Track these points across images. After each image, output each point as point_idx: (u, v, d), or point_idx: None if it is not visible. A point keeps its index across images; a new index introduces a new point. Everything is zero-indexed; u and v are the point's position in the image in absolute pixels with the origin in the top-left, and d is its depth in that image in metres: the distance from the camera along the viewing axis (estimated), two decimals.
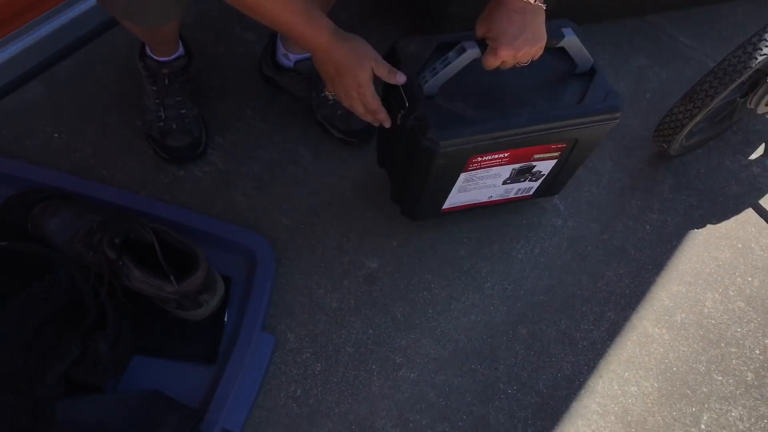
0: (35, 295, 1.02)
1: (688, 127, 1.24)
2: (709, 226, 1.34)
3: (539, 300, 1.23)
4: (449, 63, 0.98)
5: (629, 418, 1.13)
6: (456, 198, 1.19)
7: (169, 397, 1.02)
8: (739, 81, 1.15)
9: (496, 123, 1.02)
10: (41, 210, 1.16)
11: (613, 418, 1.13)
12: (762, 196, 1.39)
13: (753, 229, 1.34)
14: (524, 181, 1.20)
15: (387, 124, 1.03)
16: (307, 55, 1.32)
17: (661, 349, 1.20)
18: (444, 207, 1.22)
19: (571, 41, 1.02)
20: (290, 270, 1.23)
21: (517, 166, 1.14)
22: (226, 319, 1.15)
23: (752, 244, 1.32)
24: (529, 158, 1.12)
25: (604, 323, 1.22)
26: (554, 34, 0.99)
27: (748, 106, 1.29)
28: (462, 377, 1.15)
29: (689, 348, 1.20)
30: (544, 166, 1.16)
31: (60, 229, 1.14)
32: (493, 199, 1.24)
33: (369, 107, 1.00)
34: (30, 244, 1.10)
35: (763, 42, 1.13)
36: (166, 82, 1.28)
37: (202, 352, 1.11)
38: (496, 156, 1.08)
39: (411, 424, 1.10)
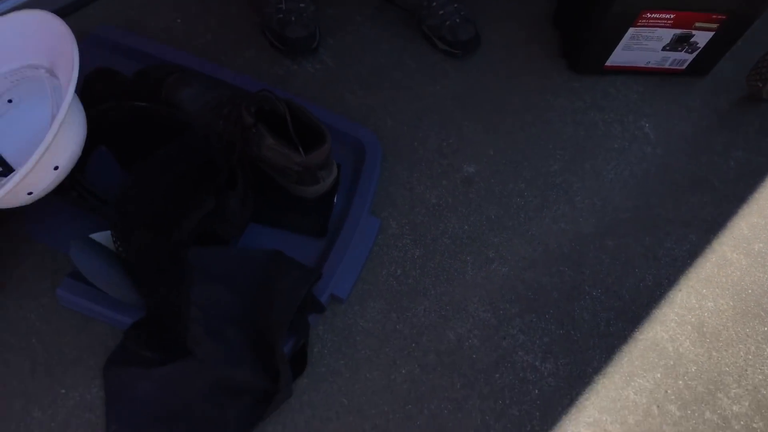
0: (174, 151, 1.10)
1: None
2: None
3: (626, 217, 1.30)
4: None
5: (704, 329, 1.20)
6: (619, 55, 1.39)
7: (291, 257, 1.10)
8: None
9: None
10: (175, 80, 1.24)
11: (689, 327, 1.20)
12: None
13: None
14: (681, 50, 1.38)
15: None
16: None
17: (738, 273, 1.26)
18: (607, 63, 1.41)
19: None
20: (393, 165, 1.30)
21: (678, 31, 1.33)
22: (335, 201, 1.22)
23: None
24: (691, 25, 1.31)
25: (686, 244, 1.28)
26: None
27: None
28: (550, 276, 1.22)
29: (765, 275, 1.27)
30: (702, 38, 1.35)
31: (192, 98, 1.22)
32: (650, 65, 1.43)
33: None
34: (166, 107, 1.18)
35: None
36: None
37: (314, 227, 1.19)
38: (664, 15, 1.28)
39: (501, 311, 1.18)
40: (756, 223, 1.32)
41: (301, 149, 1.10)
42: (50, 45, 1.04)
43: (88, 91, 1.24)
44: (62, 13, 1.33)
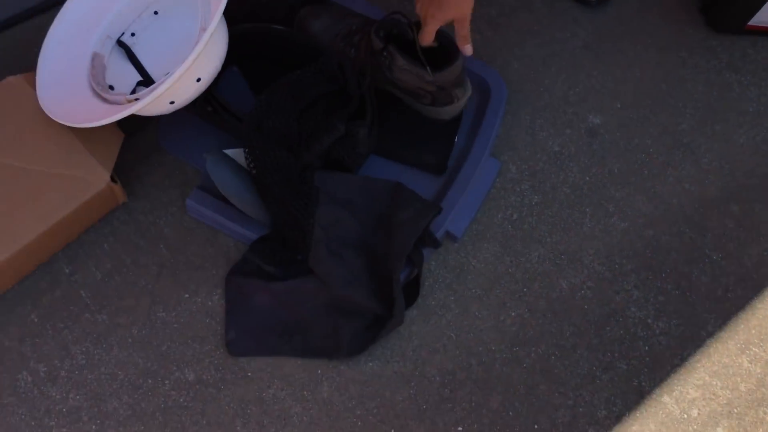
0: (307, 75, 1.12)
1: None
2: None
3: (755, 183, 1.25)
4: None
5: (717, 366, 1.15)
6: (764, 13, 1.30)
7: (412, 189, 1.11)
8: None
9: None
10: (305, 13, 1.25)
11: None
12: None
13: None
14: None
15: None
16: None
17: None
18: (750, 22, 1.33)
19: None
20: (517, 109, 1.28)
21: None
22: (456, 140, 1.22)
23: None
24: None
25: None
26: None
27: None
28: (670, 236, 1.19)
29: None
30: None
31: (323, 29, 1.23)
32: None
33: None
34: (300, 33, 1.19)
35: None
36: None
37: (434, 162, 1.19)
38: None
39: (617, 266, 1.16)
40: None
41: (429, 69, 1.08)
42: None
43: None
44: None
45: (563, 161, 1.24)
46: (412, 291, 1.10)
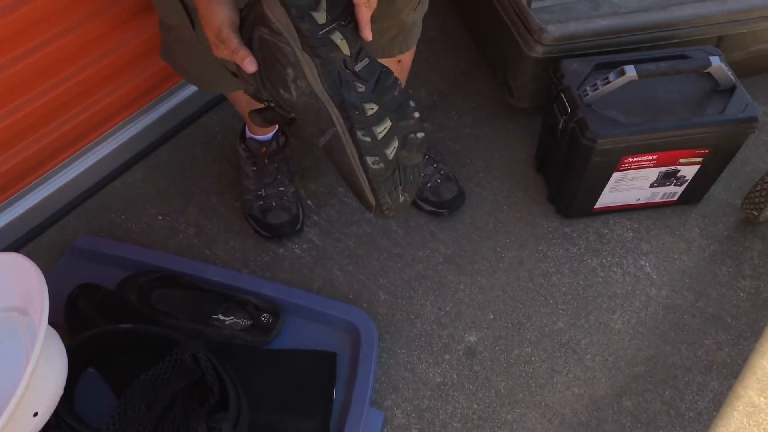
0: (162, 371, 1.06)
1: None
2: None
3: (641, 371, 1.23)
4: (609, 82, 1.22)
5: None
6: (607, 197, 1.37)
7: None
8: None
9: (645, 126, 1.23)
10: (153, 290, 1.22)
11: None
12: None
13: None
14: (669, 185, 1.36)
15: (250, 69, 0.76)
16: None
17: None
18: (596, 206, 1.39)
19: (716, 67, 1.24)
20: (392, 344, 1.25)
21: (663, 169, 1.31)
22: (334, 396, 1.17)
23: None
24: (675, 162, 1.30)
25: (708, 393, 1.21)
26: (703, 60, 1.24)
27: None
28: None
29: None
30: (688, 171, 1.33)
31: (173, 307, 1.20)
32: (640, 201, 1.40)
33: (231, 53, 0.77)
34: (152, 326, 1.14)
35: None
36: (266, 161, 1.35)
37: (315, 429, 1.13)
38: (646, 158, 1.27)
39: None
40: None
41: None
42: (22, 286, 1.02)
43: (72, 309, 1.22)
44: (43, 226, 1.33)
45: (448, 392, 1.20)
46: None
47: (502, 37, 1.46)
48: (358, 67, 0.77)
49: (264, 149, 1.33)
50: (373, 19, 0.80)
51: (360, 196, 0.78)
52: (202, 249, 1.35)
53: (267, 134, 1.34)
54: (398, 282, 1.33)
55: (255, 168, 1.36)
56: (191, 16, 0.96)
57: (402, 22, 1.10)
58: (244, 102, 1.24)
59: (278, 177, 1.36)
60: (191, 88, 1.48)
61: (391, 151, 0.77)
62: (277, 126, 1.35)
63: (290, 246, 1.36)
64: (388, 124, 0.77)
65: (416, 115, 0.80)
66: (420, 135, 0.80)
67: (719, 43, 1.45)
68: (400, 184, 0.79)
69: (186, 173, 1.45)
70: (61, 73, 1.21)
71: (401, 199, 0.79)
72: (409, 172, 0.79)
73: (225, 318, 1.24)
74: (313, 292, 1.30)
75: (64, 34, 1.16)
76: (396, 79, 0.79)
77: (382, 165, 0.76)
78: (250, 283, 1.27)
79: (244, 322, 1.23)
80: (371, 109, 0.76)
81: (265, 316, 1.23)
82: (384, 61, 0.85)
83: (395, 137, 0.77)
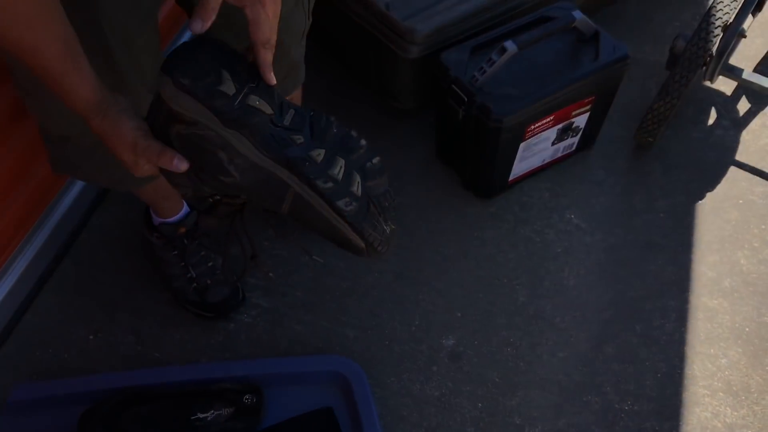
0: None
1: (670, 118, 1.36)
2: (708, 194, 1.46)
3: (608, 315, 1.30)
4: (494, 62, 1.26)
5: (734, 388, 1.21)
6: (517, 167, 1.42)
7: None
8: (701, 65, 1.29)
9: (539, 93, 1.29)
10: (119, 416, 1.13)
11: (721, 394, 1.21)
12: (735, 152, 1.53)
13: (744, 183, 1.48)
14: (567, 138, 1.44)
15: (183, 166, 0.70)
16: None
17: (728, 317, 1.29)
18: (510, 179, 1.44)
19: (581, 20, 1.31)
20: (380, 377, 1.23)
21: (560, 125, 1.38)
22: None
23: (750, 196, 1.46)
24: (569, 116, 1.37)
25: (671, 313, 1.30)
26: (568, 18, 1.30)
27: (703, 82, 1.44)
28: (580, 414, 1.19)
29: (749, 306, 1.31)
30: (581, 120, 1.42)
31: (148, 425, 1.11)
32: (546, 161, 1.47)
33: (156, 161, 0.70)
34: None
35: (710, 28, 1.28)
36: (186, 242, 1.27)
37: None
38: (544, 121, 1.34)
39: None
40: (713, 262, 1.37)
41: None
42: None
43: None
44: None
45: (449, 401, 1.21)
46: None
47: (369, 49, 1.47)
48: (287, 121, 0.73)
49: (182, 229, 1.26)
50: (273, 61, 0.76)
51: (347, 244, 0.75)
52: (151, 353, 1.26)
53: (178, 214, 1.27)
54: (360, 314, 1.31)
55: (176, 252, 1.28)
56: None
57: (291, 60, 1.07)
58: (150, 190, 1.16)
59: (203, 253, 1.29)
60: (69, 196, 1.36)
61: (356, 188, 0.75)
62: (184, 203, 1.28)
63: (239, 318, 1.30)
64: (341, 162, 0.74)
65: (363, 142, 0.78)
66: (376, 160, 0.78)
67: None
68: (380, 215, 0.77)
69: (99, 281, 1.34)
70: None
71: (387, 230, 0.78)
72: (383, 200, 0.78)
73: (205, 414, 1.16)
74: (281, 355, 1.26)
75: None
76: (327, 116, 0.77)
77: (354, 204, 0.73)
78: (217, 370, 1.20)
79: (227, 411, 1.16)
80: (318, 154, 0.73)
81: (247, 398, 1.16)
82: None
83: (354, 171, 0.75)
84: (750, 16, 1.41)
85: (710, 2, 1.44)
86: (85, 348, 1.26)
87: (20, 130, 1.17)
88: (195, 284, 1.28)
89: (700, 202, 1.45)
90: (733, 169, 1.50)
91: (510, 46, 1.25)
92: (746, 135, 1.56)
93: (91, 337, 1.28)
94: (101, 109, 0.68)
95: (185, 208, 1.28)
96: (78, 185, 1.37)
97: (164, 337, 1.28)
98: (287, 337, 1.28)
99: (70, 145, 0.95)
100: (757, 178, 1.48)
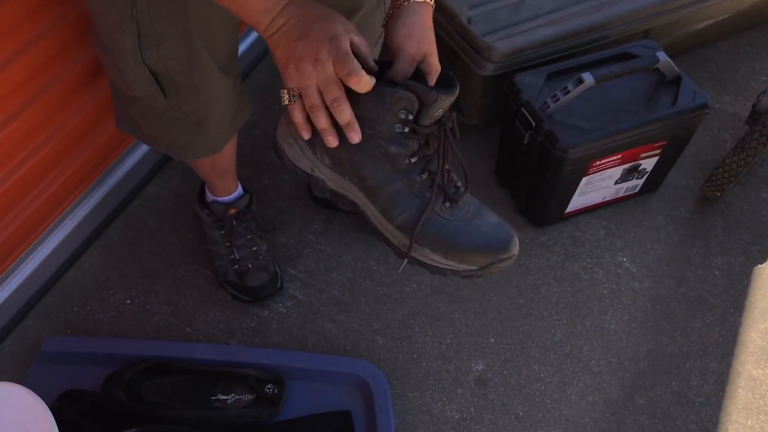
0: None
1: (742, 174, 1.31)
2: None
3: (645, 366, 1.26)
4: (569, 92, 1.24)
5: None
6: (576, 201, 1.39)
7: None
8: None
9: (609, 129, 1.26)
10: (142, 383, 1.14)
11: None
12: None
13: None
14: (632, 179, 1.40)
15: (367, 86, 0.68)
16: None
17: None
18: (566, 211, 1.41)
19: (664, 62, 1.28)
20: (402, 390, 1.22)
21: (626, 165, 1.35)
22: None
23: None
24: (637, 157, 1.34)
25: (711, 376, 1.25)
26: (651, 57, 1.27)
27: None
28: None
29: None
30: (649, 164, 1.38)
31: (168, 397, 1.12)
32: (606, 199, 1.44)
33: (350, 64, 0.66)
34: (156, 425, 1.06)
35: None
36: (234, 223, 1.28)
37: None
38: (611, 158, 1.30)
39: None
40: (765, 329, 1.31)
41: None
42: (21, 419, 0.92)
43: (57, 423, 1.11)
44: (0, 335, 1.22)
45: (469, 426, 1.18)
46: None
47: (444, 59, 1.44)
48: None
49: (232, 210, 1.27)
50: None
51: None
52: (183, 327, 1.27)
53: (231, 194, 1.28)
54: (393, 323, 1.30)
55: (223, 232, 1.29)
56: (162, 84, 0.91)
57: None
58: (207, 165, 1.18)
59: (249, 237, 1.30)
60: (130, 160, 1.39)
61: None
62: (238, 184, 1.29)
63: (274, 306, 1.31)
64: None
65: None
66: None
67: (647, 35, 1.50)
68: None
69: (144, 249, 1.36)
70: (9, 164, 1.11)
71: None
72: None
73: (226, 397, 1.17)
74: (308, 350, 1.26)
75: (6, 124, 1.06)
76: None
77: None
78: (244, 355, 1.21)
79: (247, 397, 1.17)
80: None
81: (269, 387, 1.17)
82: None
83: None
84: None
85: None
86: (121, 311, 1.28)
87: (93, 89, 1.19)
88: (237, 266, 1.29)
89: (759, 266, 1.40)
90: None
91: (587, 77, 1.22)
92: None
93: (128, 301, 1.29)
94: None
95: (239, 190, 1.29)
96: (138, 153, 1.39)
97: (198, 313, 1.29)
98: (317, 334, 1.27)
99: (139, 106, 0.97)
100: None
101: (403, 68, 0.74)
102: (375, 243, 1.39)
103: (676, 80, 1.32)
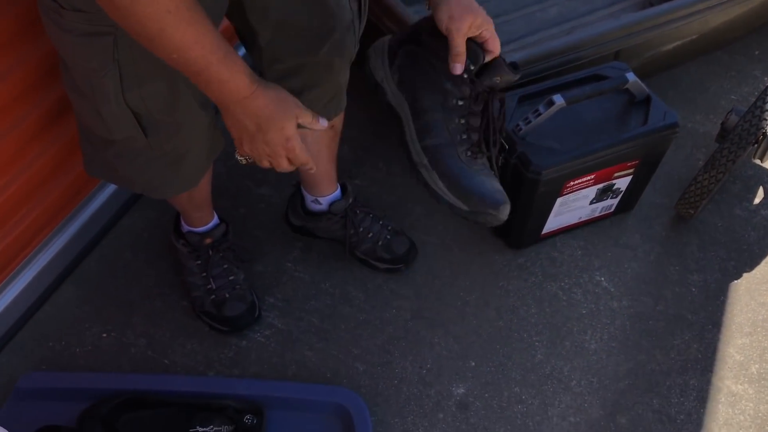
0: None
1: (714, 192, 1.33)
2: (745, 274, 1.42)
3: (625, 385, 1.26)
4: (540, 114, 1.25)
5: None
6: (552, 222, 1.40)
7: None
8: (753, 142, 1.26)
9: (582, 150, 1.27)
10: (119, 417, 1.13)
11: None
12: None
13: None
14: (606, 199, 1.41)
15: (313, 169, 0.91)
16: (339, 194, 1.34)
17: (751, 404, 1.24)
18: (543, 232, 1.42)
19: (633, 82, 1.30)
20: (383, 416, 1.21)
21: (601, 185, 1.36)
22: None
23: None
24: (611, 177, 1.35)
25: (691, 392, 1.25)
26: (621, 78, 1.29)
27: (753, 159, 1.40)
28: None
29: None
30: (622, 183, 1.39)
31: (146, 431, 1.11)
32: (582, 219, 1.45)
33: (298, 161, 0.88)
34: None
35: (766, 107, 1.25)
36: (210, 252, 1.28)
37: None
38: (585, 179, 1.31)
39: None
40: (742, 344, 1.32)
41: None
42: None
43: None
44: None
45: None
46: None
47: None
48: None
49: (208, 240, 1.26)
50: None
51: None
52: (160, 359, 1.26)
53: (207, 224, 1.27)
54: (372, 349, 1.29)
55: (199, 262, 1.28)
56: (143, 124, 0.91)
57: (337, 83, 1.08)
58: (184, 199, 1.17)
59: (226, 266, 1.29)
60: (106, 193, 1.38)
61: None
62: (214, 213, 1.29)
63: (252, 336, 1.30)
64: None
65: None
66: None
67: (617, 57, 1.52)
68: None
69: (120, 282, 1.35)
70: None
71: None
72: None
73: (204, 429, 1.15)
74: (288, 379, 1.24)
75: None
76: None
77: None
78: (222, 386, 1.20)
79: (226, 428, 1.15)
80: None
81: (248, 418, 1.15)
82: None
83: None
84: None
85: None
86: (98, 345, 1.27)
87: (58, 129, 1.19)
88: (213, 296, 1.28)
89: (735, 281, 1.41)
90: None
91: (558, 99, 1.24)
92: None
93: (104, 335, 1.28)
94: (252, 89, 0.78)
95: (215, 219, 1.29)
96: (111, 186, 1.39)
97: (176, 344, 1.28)
98: (296, 362, 1.26)
99: (115, 147, 0.97)
100: None
101: (456, 46, 0.89)
102: (353, 269, 1.39)
103: (646, 100, 1.34)
